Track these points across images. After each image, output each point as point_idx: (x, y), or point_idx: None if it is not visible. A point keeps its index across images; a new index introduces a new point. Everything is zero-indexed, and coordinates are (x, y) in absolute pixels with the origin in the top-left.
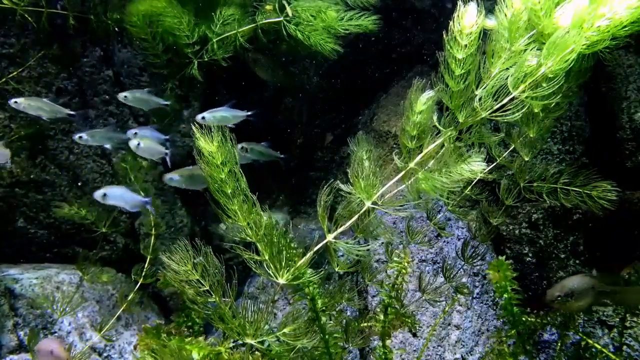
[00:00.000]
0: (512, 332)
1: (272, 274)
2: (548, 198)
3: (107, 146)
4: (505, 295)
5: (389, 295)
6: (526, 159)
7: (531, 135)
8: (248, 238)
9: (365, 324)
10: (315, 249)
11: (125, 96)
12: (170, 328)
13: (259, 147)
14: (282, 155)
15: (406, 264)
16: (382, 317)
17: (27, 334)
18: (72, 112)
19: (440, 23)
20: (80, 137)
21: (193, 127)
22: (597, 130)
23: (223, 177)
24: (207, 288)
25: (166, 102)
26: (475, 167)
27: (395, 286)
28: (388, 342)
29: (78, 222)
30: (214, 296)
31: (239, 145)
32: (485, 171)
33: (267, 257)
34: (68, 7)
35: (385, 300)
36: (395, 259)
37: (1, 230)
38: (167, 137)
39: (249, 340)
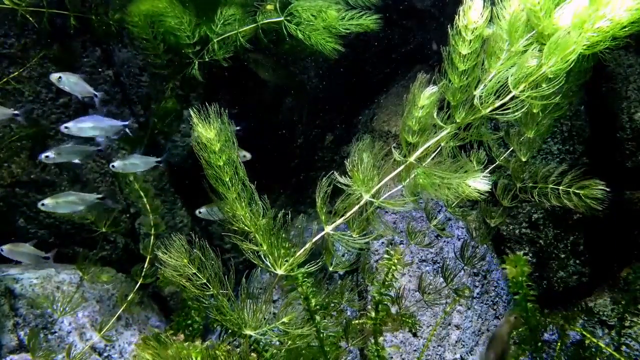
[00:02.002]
0: (519, 330)
1: (270, 264)
2: (540, 198)
3: (76, 161)
4: (521, 291)
5: (380, 292)
6: (523, 159)
7: (529, 136)
8: (246, 228)
9: (357, 321)
10: (314, 239)
11: (60, 77)
12: (165, 336)
13: None
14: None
15: (396, 261)
16: (373, 314)
17: (28, 334)
18: (16, 112)
19: (441, 23)
20: (47, 156)
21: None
22: (597, 130)
23: (221, 164)
24: (204, 281)
25: (95, 93)
26: (480, 184)
27: (386, 283)
28: (381, 339)
29: (78, 222)
30: (211, 289)
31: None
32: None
33: (265, 248)
34: (69, 7)
35: (376, 297)
36: (385, 256)
37: (1, 230)
38: (127, 122)
39: (248, 332)
